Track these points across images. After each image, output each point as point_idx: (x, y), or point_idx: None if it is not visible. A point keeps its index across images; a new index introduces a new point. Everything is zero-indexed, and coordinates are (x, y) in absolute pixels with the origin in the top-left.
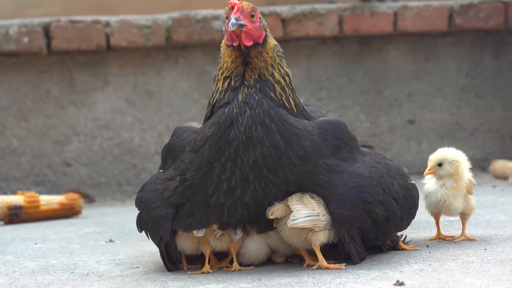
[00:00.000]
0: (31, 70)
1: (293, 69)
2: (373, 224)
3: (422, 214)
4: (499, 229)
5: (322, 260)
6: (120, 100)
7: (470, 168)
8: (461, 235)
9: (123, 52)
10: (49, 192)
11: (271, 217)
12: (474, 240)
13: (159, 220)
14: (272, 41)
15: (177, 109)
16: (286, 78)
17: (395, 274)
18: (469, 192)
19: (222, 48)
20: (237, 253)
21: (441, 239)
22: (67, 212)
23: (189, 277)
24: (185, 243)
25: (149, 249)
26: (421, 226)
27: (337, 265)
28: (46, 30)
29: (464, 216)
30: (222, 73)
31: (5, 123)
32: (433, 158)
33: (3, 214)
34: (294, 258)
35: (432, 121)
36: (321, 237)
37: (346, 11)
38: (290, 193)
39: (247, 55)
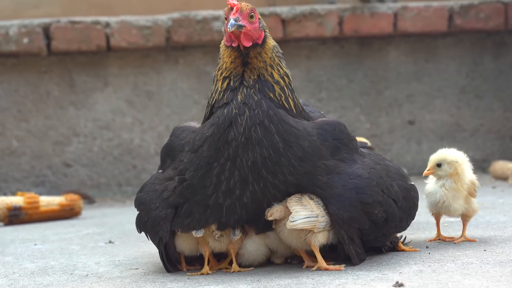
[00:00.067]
0: (31, 71)
1: (293, 70)
2: (372, 225)
3: (422, 215)
4: (499, 230)
5: (321, 261)
6: (120, 100)
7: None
8: (461, 236)
9: (123, 52)
10: (49, 193)
11: (270, 218)
12: (473, 241)
13: (158, 221)
14: (271, 42)
15: (177, 109)
16: (285, 78)
17: (394, 275)
18: (471, 194)
19: (221, 49)
20: (236, 254)
21: (441, 240)
22: (67, 213)
23: (188, 279)
24: (184, 244)
25: (148, 250)
26: (420, 227)
27: (337, 266)
28: (46, 31)
29: (465, 217)
30: (221, 73)
31: (5, 124)
32: (433, 158)
33: (3, 215)
34: (293, 259)
35: (432, 122)
36: (320, 238)
37: (346, 12)
38: (289, 194)
39: (246, 55)
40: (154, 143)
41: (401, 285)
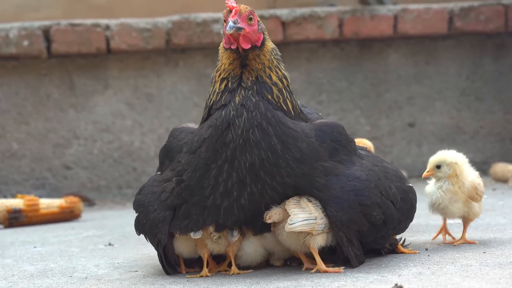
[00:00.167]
0: (31, 74)
1: (293, 72)
2: (371, 227)
3: (421, 217)
4: (499, 232)
5: (320, 264)
6: (120, 103)
7: None
8: (461, 238)
9: (123, 55)
10: (49, 195)
11: (268, 221)
12: (473, 243)
13: (156, 223)
14: (270, 44)
15: (177, 112)
16: (284, 80)
17: (393, 278)
18: (472, 198)
19: (220, 51)
20: (235, 256)
21: (446, 234)
22: (66, 216)
23: (187, 281)
24: (182, 246)
25: (148, 252)
26: (420, 229)
27: (336, 269)
28: (46, 34)
29: (465, 220)
30: (220, 74)
31: (5, 127)
32: (432, 160)
33: (3, 218)
34: (292, 262)
35: (433, 124)
36: (319, 241)
37: (346, 14)
38: (287, 196)
39: (244, 57)
40: (154, 145)
41: (400, 287)
